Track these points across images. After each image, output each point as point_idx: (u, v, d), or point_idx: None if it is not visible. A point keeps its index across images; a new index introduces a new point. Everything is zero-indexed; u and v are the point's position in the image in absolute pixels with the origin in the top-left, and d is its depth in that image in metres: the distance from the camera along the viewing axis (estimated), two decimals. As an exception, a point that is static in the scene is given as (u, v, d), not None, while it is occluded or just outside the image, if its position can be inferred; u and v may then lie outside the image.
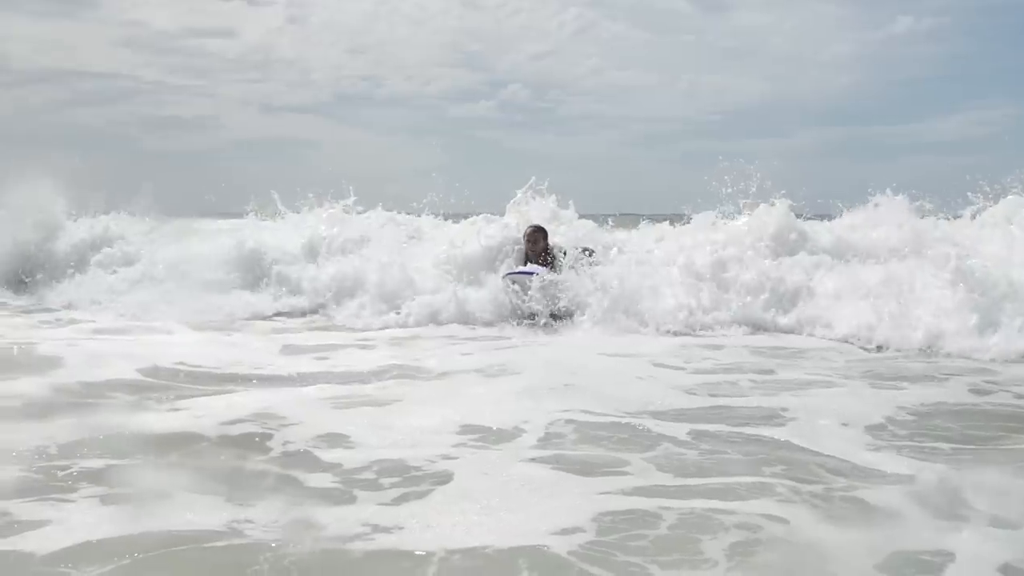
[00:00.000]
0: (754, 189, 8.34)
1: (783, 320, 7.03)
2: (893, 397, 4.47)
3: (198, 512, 2.72)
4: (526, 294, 7.35)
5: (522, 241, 8.17)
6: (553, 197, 9.07)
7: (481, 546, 2.44)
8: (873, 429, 3.81)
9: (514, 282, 7.53)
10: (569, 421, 3.89)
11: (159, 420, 3.95)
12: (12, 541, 2.49)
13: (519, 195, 9.12)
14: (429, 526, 2.61)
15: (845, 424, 3.87)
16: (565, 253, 7.75)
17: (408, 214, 10.57)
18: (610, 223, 9.84)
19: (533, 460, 3.30)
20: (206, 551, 2.45)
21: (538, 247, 7.97)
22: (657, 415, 4.06)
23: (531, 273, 7.54)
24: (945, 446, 3.55)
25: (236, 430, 3.76)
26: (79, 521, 2.65)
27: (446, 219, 10.44)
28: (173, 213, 10.75)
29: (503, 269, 7.93)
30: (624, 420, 3.92)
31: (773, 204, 8.25)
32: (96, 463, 3.25)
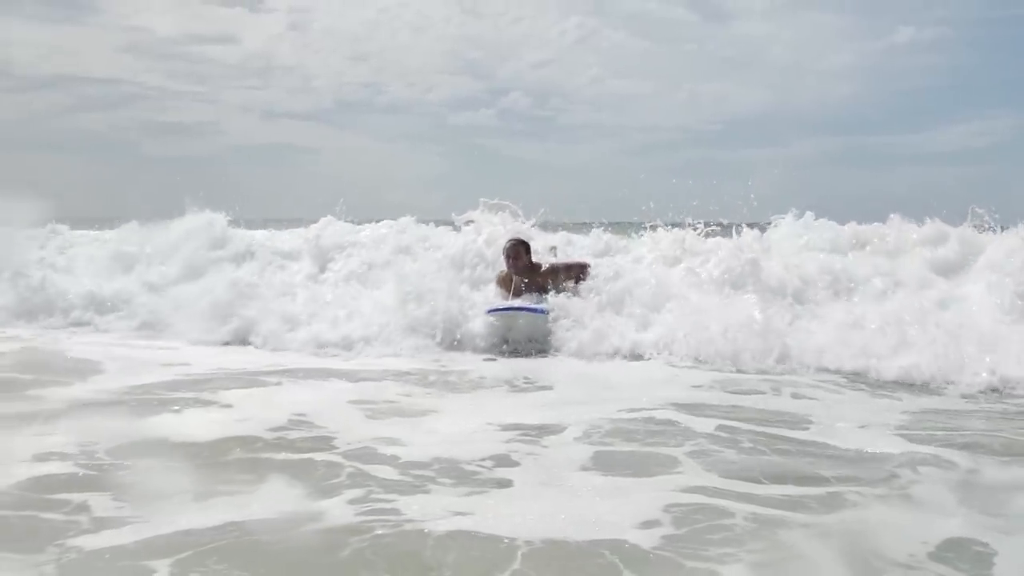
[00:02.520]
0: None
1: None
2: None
3: (276, 502, 2.89)
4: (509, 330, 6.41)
5: (502, 259, 7.18)
6: (507, 210, 8.42)
7: (562, 538, 2.58)
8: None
9: (499, 319, 6.48)
10: (606, 420, 4.05)
11: (209, 421, 4.07)
12: (95, 537, 2.59)
13: (476, 214, 8.51)
14: (505, 517, 2.74)
15: (863, 426, 4.08)
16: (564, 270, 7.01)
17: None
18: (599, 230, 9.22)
19: (586, 459, 3.44)
20: (292, 536, 2.61)
21: (521, 263, 7.00)
22: (689, 411, 4.27)
23: (521, 310, 6.49)
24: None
25: (286, 431, 3.88)
26: (170, 512, 2.78)
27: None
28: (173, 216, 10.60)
29: (470, 283, 7.21)
30: (660, 417, 4.11)
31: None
32: (160, 461, 3.41)
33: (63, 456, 3.39)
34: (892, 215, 8.16)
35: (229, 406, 4.42)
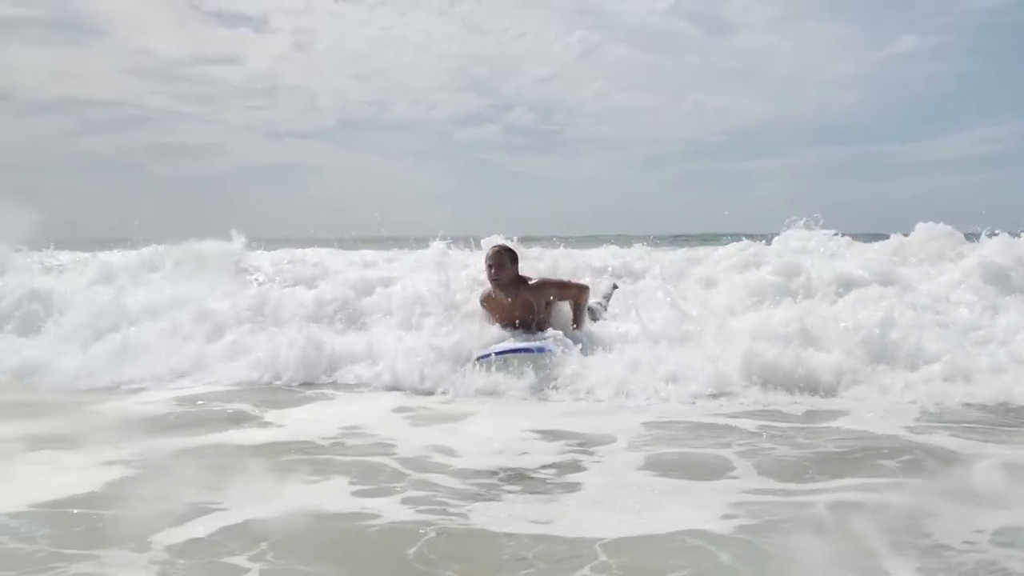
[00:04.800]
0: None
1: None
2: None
3: (344, 503, 3.02)
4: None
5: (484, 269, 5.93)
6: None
7: (644, 533, 2.68)
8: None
9: (490, 365, 5.31)
10: (648, 425, 4.16)
11: (265, 432, 4.19)
12: (182, 529, 2.75)
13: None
14: (577, 517, 2.84)
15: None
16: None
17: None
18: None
19: (642, 463, 3.54)
20: (364, 533, 2.74)
21: (506, 274, 5.76)
22: (727, 414, 4.40)
23: (517, 351, 5.35)
24: None
25: (340, 440, 3.97)
26: (242, 507, 2.97)
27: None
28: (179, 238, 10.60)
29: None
30: (699, 420, 4.22)
31: None
32: (225, 462, 3.52)
33: (138, 462, 3.53)
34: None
35: (281, 419, 4.51)
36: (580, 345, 5.54)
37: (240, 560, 2.49)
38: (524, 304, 5.74)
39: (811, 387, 4.94)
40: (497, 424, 4.29)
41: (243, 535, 2.68)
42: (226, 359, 5.94)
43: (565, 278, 6.36)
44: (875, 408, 4.56)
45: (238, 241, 9.42)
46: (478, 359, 5.33)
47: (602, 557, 2.48)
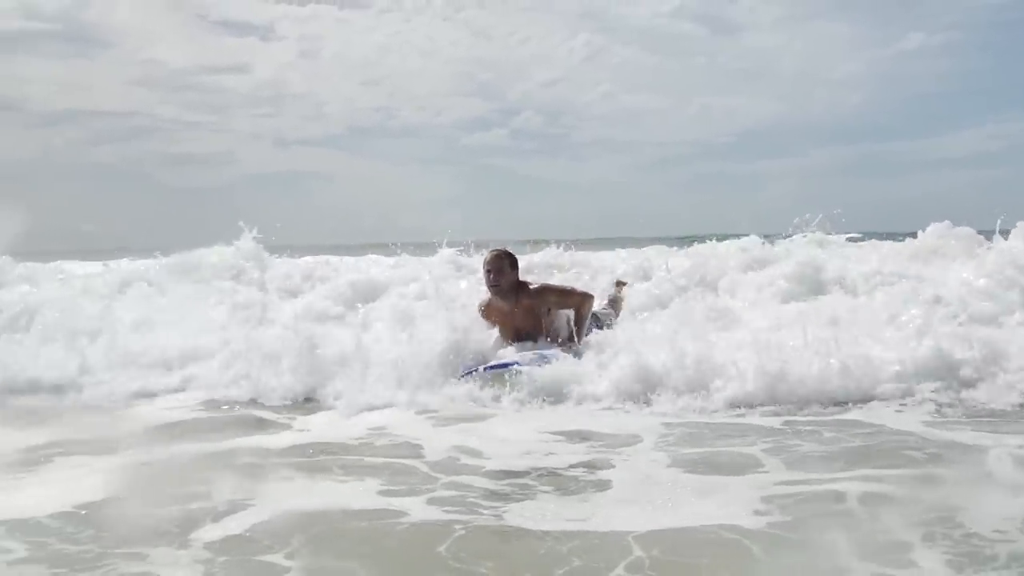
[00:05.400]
0: None
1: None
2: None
3: (374, 501, 3.09)
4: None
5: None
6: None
7: (678, 526, 2.73)
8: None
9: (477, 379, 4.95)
10: (669, 424, 4.20)
11: (292, 435, 4.26)
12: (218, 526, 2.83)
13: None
14: (611, 514, 2.88)
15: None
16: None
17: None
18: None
19: (670, 461, 3.57)
20: (395, 529, 2.80)
21: (505, 280, 5.49)
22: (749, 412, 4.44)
23: (503, 367, 4.97)
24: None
25: (367, 440, 4.03)
26: (274, 505, 3.05)
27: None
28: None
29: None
30: (721, 420, 4.26)
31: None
32: (255, 461, 3.63)
33: (169, 464, 3.68)
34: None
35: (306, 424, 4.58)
36: (569, 356, 5.14)
37: (276, 557, 2.54)
38: (526, 311, 5.46)
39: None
40: (518, 426, 4.30)
41: (276, 532, 2.75)
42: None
43: (568, 285, 6.01)
44: (894, 402, 4.53)
45: (247, 240, 9.53)
46: (464, 373, 4.97)
47: (637, 552, 2.52)
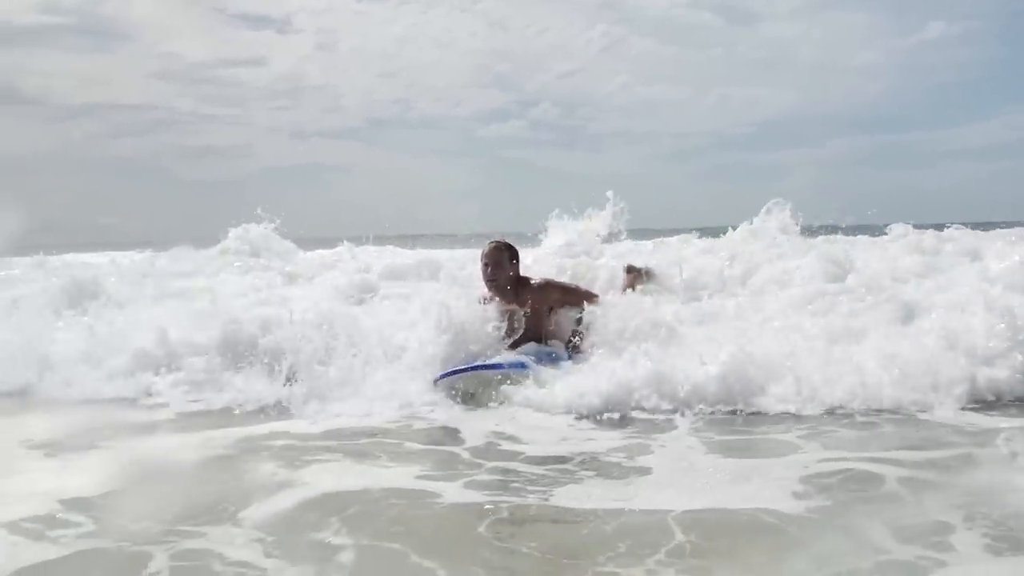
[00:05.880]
0: None
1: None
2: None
3: (417, 484, 3.17)
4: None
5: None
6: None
7: (719, 507, 2.78)
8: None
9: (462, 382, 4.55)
10: (702, 412, 4.19)
11: (328, 421, 4.31)
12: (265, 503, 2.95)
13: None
14: (653, 496, 2.94)
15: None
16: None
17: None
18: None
19: (706, 447, 3.62)
20: (439, 511, 2.89)
21: (503, 274, 5.10)
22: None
23: (482, 368, 4.53)
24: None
25: (406, 424, 4.13)
26: (321, 480, 3.18)
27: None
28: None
29: None
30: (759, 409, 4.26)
31: None
32: (295, 443, 3.67)
33: (215, 447, 3.76)
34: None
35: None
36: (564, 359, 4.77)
37: (325, 535, 2.62)
38: (526, 309, 5.04)
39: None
40: (551, 414, 4.34)
41: (323, 510, 2.85)
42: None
43: (573, 284, 5.51)
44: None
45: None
46: (441, 376, 4.50)
47: (678, 536, 2.56)
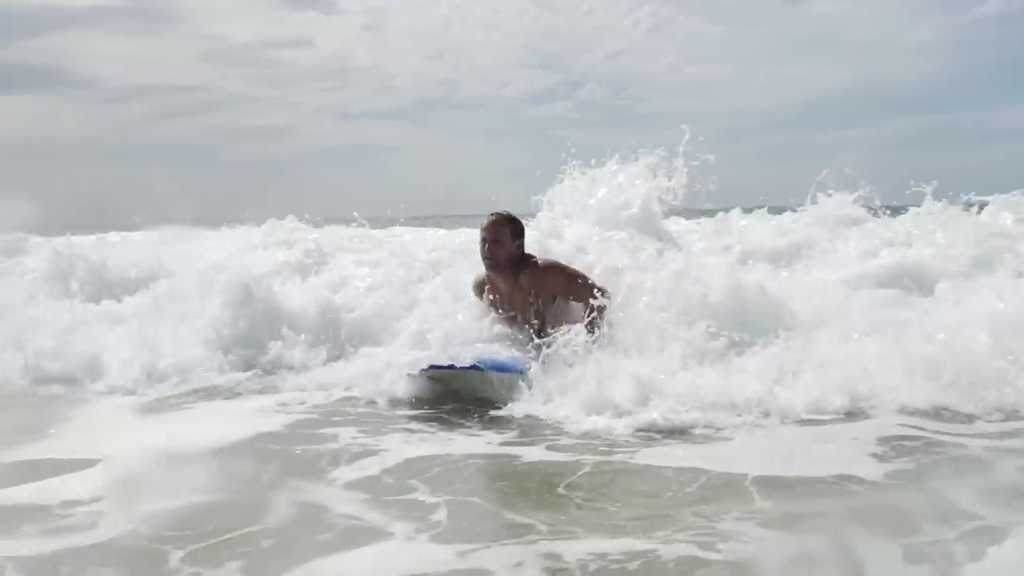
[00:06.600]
0: None
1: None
2: None
3: (496, 449, 3.30)
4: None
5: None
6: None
7: (794, 475, 2.82)
8: None
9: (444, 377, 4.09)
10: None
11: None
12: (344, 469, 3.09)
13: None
14: (733, 460, 2.98)
15: None
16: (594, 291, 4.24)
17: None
18: None
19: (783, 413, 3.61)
20: (523, 470, 3.01)
21: (503, 251, 4.46)
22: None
23: (463, 368, 3.96)
24: None
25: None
26: (398, 451, 3.30)
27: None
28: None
29: None
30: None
31: None
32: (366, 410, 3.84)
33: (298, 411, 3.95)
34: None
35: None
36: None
37: (415, 495, 2.74)
38: (527, 292, 4.41)
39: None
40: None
41: (405, 472, 2.98)
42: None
43: (582, 272, 4.50)
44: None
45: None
46: (425, 370, 4.04)
47: (758, 501, 2.58)
